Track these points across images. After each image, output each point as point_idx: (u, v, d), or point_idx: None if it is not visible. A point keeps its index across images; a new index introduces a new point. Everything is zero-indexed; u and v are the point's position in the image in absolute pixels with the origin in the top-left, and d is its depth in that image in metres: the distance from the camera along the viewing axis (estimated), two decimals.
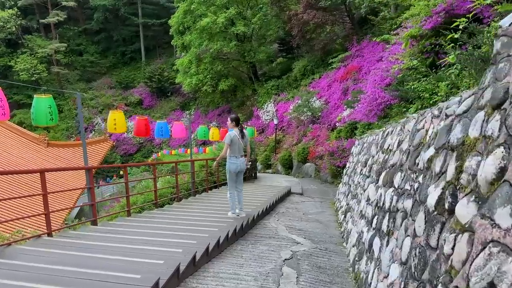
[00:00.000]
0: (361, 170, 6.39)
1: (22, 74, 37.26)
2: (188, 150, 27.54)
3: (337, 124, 18.25)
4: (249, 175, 13.01)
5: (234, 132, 6.60)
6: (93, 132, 37.08)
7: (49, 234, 4.67)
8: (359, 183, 6.17)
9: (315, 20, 23.07)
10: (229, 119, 6.86)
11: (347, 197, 7.48)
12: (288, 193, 10.88)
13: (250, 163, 13.08)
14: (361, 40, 23.32)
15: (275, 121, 22.65)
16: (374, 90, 8.19)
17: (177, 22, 29.89)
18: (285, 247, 5.28)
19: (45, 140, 24.09)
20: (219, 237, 4.71)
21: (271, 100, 27.14)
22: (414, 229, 2.59)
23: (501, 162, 1.60)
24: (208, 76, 28.98)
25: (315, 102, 20.94)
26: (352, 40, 23.24)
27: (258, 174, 15.93)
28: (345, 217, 6.80)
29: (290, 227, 6.71)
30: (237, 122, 6.80)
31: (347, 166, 9.88)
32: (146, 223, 5.80)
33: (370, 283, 3.47)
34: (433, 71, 6.31)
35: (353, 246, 4.96)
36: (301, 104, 20.71)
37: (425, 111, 3.40)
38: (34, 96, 5.06)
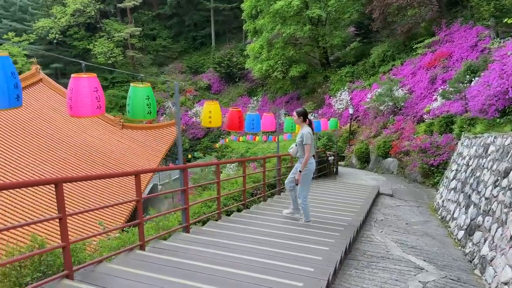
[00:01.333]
0: (497, 181, 5.16)
1: (99, 57, 38.83)
2: (257, 137, 27.07)
3: (424, 116, 16.56)
4: (330, 171, 12.01)
5: (308, 129, 5.94)
6: (164, 115, 37.90)
7: (142, 247, 4.07)
8: (496, 197, 4.97)
9: (399, 1, 21.16)
10: (295, 113, 6.10)
11: (466, 209, 6.25)
12: (378, 194, 9.76)
13: (332, 157, 12.07)
14: (450, 24, 21.06)
15: (350, 111, 21.26)
16: (502, 82, 6.78)
17: (250, 6, 29.11)
18: (408, 274, 4.30)
19: (120, 122, 24.76)
20: (336, 262, 3.85)
21: (345, 88, 25.63)
22: None
23: None
24: (279, 62, 28.00)
25: (397, 91, 19.24)
26: (440, 23, 21.04)
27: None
28: (469, 235, 5.61)
29: (400, 243, 5.68)
30: (305, 117, 6.06)
31: (452, 168, 8.53)
32: (247, 231, 5.16)
33: None
34: None
35: (506, 285, 3.85)
36: (383, 93, 19.10)
37: None
38: (131, 84, 4.31)
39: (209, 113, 5.66)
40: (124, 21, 44.84)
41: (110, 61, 39.05)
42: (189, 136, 36.86)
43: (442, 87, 17.44)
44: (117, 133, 23.77)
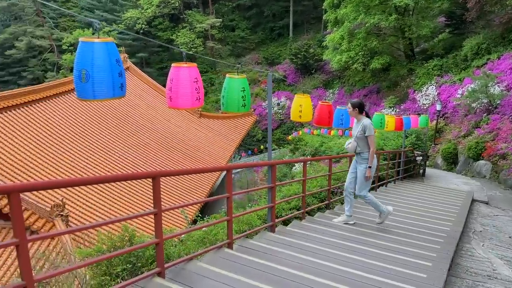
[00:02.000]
0: None
1: (182, 47, 40.31)
2: (332, 131, 26.25)
3: None
4: (417, 172, 11.13)
5: (368, 119, 5.58)
6: None
7: (230, 245, 3.93)
8: None
9: None
10: (350, 105, 5.63)
11: None
12: (472, 201, 8.81)
13: (421, 157, 11.17)
14: None
15: (438, 107, 19.69)
16: None
17: None
18: None
19: (198, 110, 25.48)
20: (443, 282, 3.37)
21: (432, 82, 23.84)
22: None
23: None
24: (360, 53, 26.81)
25: (493, 88, 17.40)
26: None
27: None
28: None
29: (507, 260, 4.97)
30: (361, 109, 5.58)
31: None
32: (336, 235, 4.86)
33: None
34: None
35: None
36: (476, 89, 17.39)
37: None
38: (227, 76, 4.14)
39: (300, 106, 5.33)
40: (205, 12, 46.05)
41: (191, 52, 40.36)
42: (262, 127, 37.07)
43: None
44: (195, 122, 24.52)
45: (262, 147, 35.42)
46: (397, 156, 9.26)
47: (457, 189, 9.57)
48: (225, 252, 3.85)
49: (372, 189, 8.21)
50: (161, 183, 2.88)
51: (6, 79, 43.82)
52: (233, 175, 19.73)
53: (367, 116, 5.67)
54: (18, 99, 15.95)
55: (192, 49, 40.13)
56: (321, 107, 5.67)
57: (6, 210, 11.36)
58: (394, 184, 9.29)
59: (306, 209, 5.78)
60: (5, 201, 11.57)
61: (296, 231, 4.95)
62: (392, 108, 25.20)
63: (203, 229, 4.24)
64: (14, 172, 13.54)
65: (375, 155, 5.57)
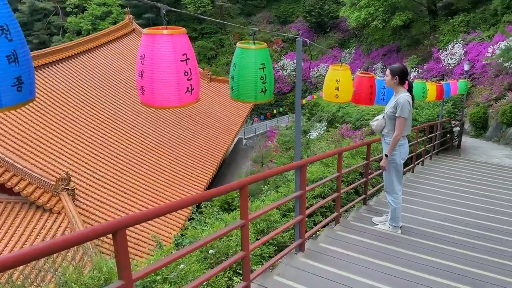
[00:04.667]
0: None
1: (189, 7, 38.45)
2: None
3: None
4: (452, 145, 10.04)
5: (407, 95, 4.20)
6: None
7: (302, 247, 3.02)
8: None
9: None
10: (388, 71, 4.35)
11: None
12: None
13: (458, 128, 10.06)
14: None
15: (466, 67, 18.22)
16: None
17: None
18: None
19: (208, 75, 24.34)
20: None
21: (458, 40, 22.13)
22: None
23: None
24: (380, 9, 24.90)
25: None
26: None
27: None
28: None
29: None
30: (403, 78, 4.28)
31: None
32: (393, 253, 3.91)
33: None
34: None
35: None
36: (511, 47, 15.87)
37: None
38: (237, 45, 2.73)
39: (336, 82, 3.96)
40: None
41: (199, 11, 38.50)
42: (275, 91, 35.71)
43: None
44: (205, 86, 23.43)
45: (275, 111, 34.33)
46: (434, 128, 8.21)
47: (501, 165, 8.56)
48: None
49: (408, 170, 7.13)
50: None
51: None
52: (244, 141, 18.72)
53: (409, 89, 4.42)
54: None
55: (200, 8, 38.23)
56: (360, 80, 4.40)
57: (9, 184, 10.80)
58: (430, 160, 8.31)
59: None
60: (8, 174, 10.99)
61: (334, 250, 3.89)
62: (414, 69, 23.68)
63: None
64: (18, 145, 12.87)
65: (402, 142, 4.37)
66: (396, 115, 4.20)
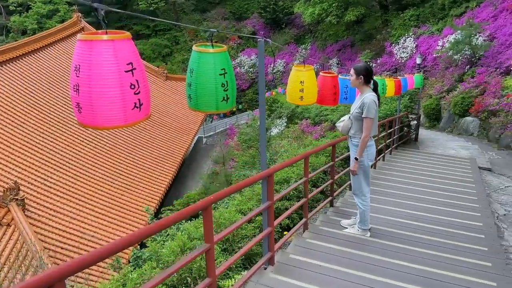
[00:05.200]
0: None
1: (141, 4, 37.17)
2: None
3: None
4: (410, 138, 10.19)
5: (373, 95, 4.04)
6: None
7: (271, 260, 2.70)
8: None
9: None
10: (353, 71, 4.14)
11: None
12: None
13: (415, 121, 10.23)
14: None
15: (418, 60, 18.83)
16: None
17: None
18: None
19: (164, 73, 23.64)
20: None
21: (409, 34, 22.78)
22: None
23: None
24: (333, 5, 25.20)
25: (476, 39, 16.54)
26: None
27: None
28: None
29: None
30: (368, 77, 4.11)
31: None
32: (367, 260, 3.76)
33: None
34: None
35: None
36: (461, 40, 16.47)
37: None
38: (193, 49, 2.42)
39: (301, 84, 3.71)
40: None
41: (151, 8, 37.35)
42: None
43: None
44: (160, 84, 22.74)
45: (234, 108, 34.05)
46: (393, 123, 8.28)
47: (458, 156, 8.77)
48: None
49: (371, 167, 7.12)
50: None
51: None
52: (204, 139, 18.24)
53: (375, 88, 4.23)
54: None
55: (153, 5, 37.10)
56: (324, 80, 4.19)
57: None
58: (390, 155, 8.38)
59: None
60: None
61: (304, 261, 3.65)
62: (368, 63, 24.17)
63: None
64: None
65: (370, 143, 4.20)
66: (363, 116, 4.04)
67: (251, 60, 35.07)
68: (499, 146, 11.00)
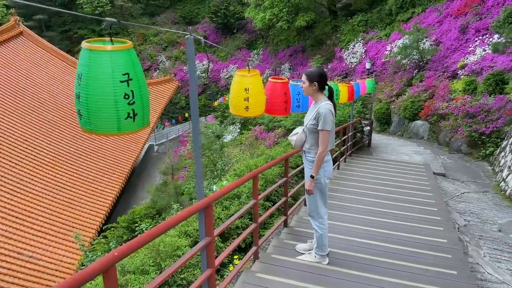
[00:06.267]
0: None
1: (85, 7, 35.40)
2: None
3: (458, 72, 14.43)
4: (363, 144, 9.96)
5: (329, 104, 3.56)
6: (158, 71, 35.25)
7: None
8: None
9: None
10: (305, 76, 3.63)
11: None
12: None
13: (368, 127, 10.02)
14: None
15: (368, 65, 19.01)
16: None
17: None
18: None
19: None
20: None
21: (358, 39, 23.09)
22: None
23: None
24: (284, 10, 25.06)
25: (423, 43, 16.92)
26: None
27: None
28: None
29: None
30: (322, 83, 3.61)
31: None
32: None
33: None
34: None
35: None
36: (409, 44, 16.75)
37: None
38: (82, 46, 1.73)
39: (245, 92, 3.12)
40: None
41: (97, 11, 35.60)
42: (185, 93, 34.44)
43: (478, 38, 15.21)
44: None
45: (186, 114, 33.13)
46: (347, 129, 7.98)
47: (412, 162, 8.62)
48: None
49: None
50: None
51: None
52: (156, 147, 17.23)
53: (330, 96, 3.72)
54: None
55: (98, 8, 35.40)
56: (273, 87, 3.63)
57: None
58: (345, 163, 8.06)
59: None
60: None
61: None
62: (321, 68, 24.25)
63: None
64: None
65: (327, 158, 3.68)
66: (319, 129, 3.52)
67: (203, 65, 34.31)
68: (449, 149, 11.09)
